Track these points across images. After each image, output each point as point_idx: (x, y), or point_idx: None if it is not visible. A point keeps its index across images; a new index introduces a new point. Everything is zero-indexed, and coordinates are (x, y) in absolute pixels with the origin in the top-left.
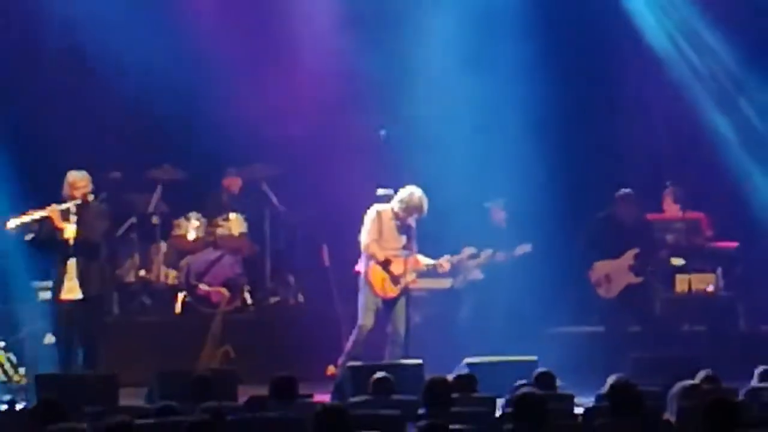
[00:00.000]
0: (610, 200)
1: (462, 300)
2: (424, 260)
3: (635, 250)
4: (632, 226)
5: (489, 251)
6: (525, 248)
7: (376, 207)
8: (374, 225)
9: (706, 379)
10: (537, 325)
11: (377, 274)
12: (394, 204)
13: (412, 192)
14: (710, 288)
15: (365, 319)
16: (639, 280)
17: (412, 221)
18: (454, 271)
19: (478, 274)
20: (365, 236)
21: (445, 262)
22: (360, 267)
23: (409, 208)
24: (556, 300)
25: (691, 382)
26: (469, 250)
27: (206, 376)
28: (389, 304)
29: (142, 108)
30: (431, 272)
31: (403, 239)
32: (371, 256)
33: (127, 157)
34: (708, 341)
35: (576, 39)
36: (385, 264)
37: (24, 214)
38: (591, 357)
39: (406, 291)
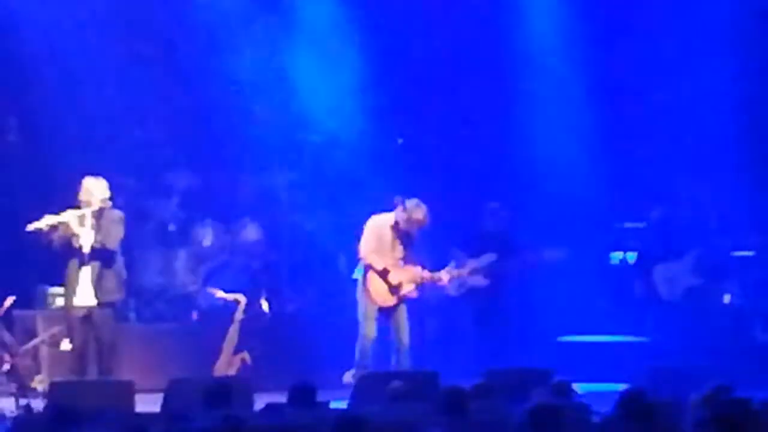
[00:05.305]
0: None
1: (465, 308)
2: (424, 273)
3: None
4: None
5: (490, 255)
6: (556, 253)
7: (378, 216)
8: (374, 234)
9: (722, 389)
10: (555, 334)
11: (375, 282)
12: (398, 214)
13: (417, 204)
14: (726, 298)
15: (367, 328)
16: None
17: (413, 232)
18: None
19: (479, 281)
20: (364, 245)
21: (445, 274)
22: (358, 275)
23: (412, 220)
24: (575, 307)
25: (706, 392)
26: (488, 257)
27: (223, 383)
28: (387, 312)
29: (156, 112)
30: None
31: (403, 250)
32: (370, 265)
33: (142, 163)
34: (723, 351)
35: None
36: (384, 273)
37: (41, 219)
38: (608, 366)
39: (403, 300)
